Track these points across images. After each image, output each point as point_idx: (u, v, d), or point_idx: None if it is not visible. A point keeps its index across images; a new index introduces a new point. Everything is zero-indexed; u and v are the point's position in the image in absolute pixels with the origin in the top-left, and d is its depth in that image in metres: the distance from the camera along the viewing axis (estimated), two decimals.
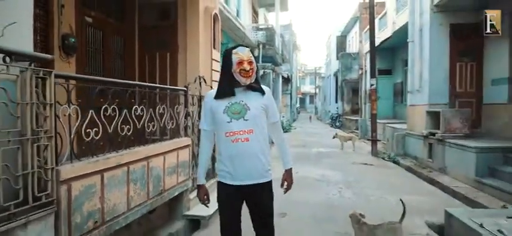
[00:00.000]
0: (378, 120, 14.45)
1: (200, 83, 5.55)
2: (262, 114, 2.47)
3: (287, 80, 29.19)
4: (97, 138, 2.90)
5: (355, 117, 21.51)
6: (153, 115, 3.92)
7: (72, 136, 2.63)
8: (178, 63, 6.22)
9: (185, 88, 4.89)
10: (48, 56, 2.39)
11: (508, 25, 8.02)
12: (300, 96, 59.35)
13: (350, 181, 7.34)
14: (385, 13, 14.67)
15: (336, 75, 29.55)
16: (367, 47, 17.55)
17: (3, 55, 2.07)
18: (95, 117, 2.90)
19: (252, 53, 2.46)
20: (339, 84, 26.55)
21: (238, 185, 2.42)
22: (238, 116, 2.38)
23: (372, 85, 11.87)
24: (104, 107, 3.03)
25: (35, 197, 2.24)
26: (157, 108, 4.07)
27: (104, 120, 3.00)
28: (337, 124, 24.64)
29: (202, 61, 6.12)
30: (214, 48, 6.51)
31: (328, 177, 7.75)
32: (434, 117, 8.53)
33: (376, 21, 16.21)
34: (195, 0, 6.09)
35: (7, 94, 2.08)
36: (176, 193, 4.42)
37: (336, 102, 29.48)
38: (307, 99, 68.38)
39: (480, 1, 8.73)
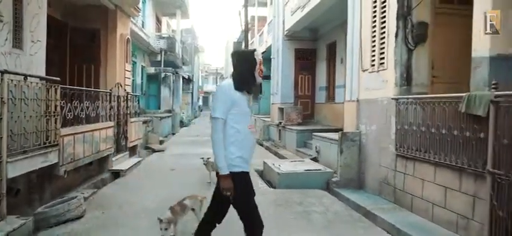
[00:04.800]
0: (258, 115, 18.47)
1: (118, 87, 8.41)
2: None
3: (188, 80, 32.13)
4: (71, 117, 5.77)
5: None
6: (93, 107, 6.78)
7: (62, 116, 5.48)
8: (100, 72, 8.91)
9: (110, 91, 7.77)
10: (57, 79, 5.21)
11: (326, 53, 12.46)
12: (203, 95, 62.51)
13: None
14: (263, 32, 18.75)
15: None
16: None
17: (38, 78, 4.90)
18: (70, 107, 5.76)
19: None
20: None
21: (248, 171, 2.78)
22: (251, 112, 2.82)
23: None
24: (73, 102, 5.88)
25: (53, 140, 5.08)
26: (95, 102, 6.92)
27: (73, 109, 5.86)
28: None
29: (118, 72, 8.92)
30: (127, 62, 9.37)
31: (208, 153, 11.14)
32: (282, 111, 12.56)
33: (257, 37, 20.32)
34: (113, 29, 8.88)
35: (42, 96, 4.92)
36: (105, 154, 7.29)
37: None
38: (210, 98, 71.56)
39: (313, 35, 13.12)
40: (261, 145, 13.79)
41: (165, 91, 17.79)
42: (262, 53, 18.60)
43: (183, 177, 7.71)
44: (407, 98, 5.12)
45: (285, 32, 12.96)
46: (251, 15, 23.41)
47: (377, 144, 5.99)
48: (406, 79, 5.38)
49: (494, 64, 3.77)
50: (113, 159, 7.75)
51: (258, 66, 2.72)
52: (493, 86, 3.55)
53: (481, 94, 3.69)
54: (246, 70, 2.73)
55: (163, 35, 19.25)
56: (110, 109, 7.73)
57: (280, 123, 12.33)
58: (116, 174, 7.59)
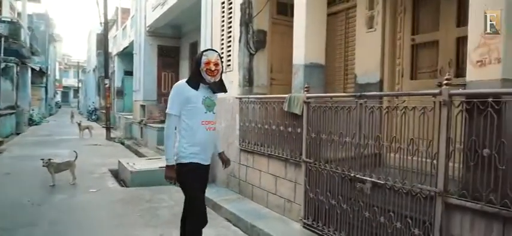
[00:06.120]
0: (122, 113, 17.59)
1: None
2: None
3: (41, 73, 28.39)
4: None
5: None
6: None
7: None
8: None
9: None
10: None
11: (188, 52, 12.64)
12: (62, 89, 56.07)
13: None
14: (126, 26, 17.85)
15: (95, 71, 30.86)
16: (115, 49, 20.35)
17: None
18: None
19: None
20: (96, 80, 28.21)
21: (206, 165, 3.06)
22: (210, 109, 2.98)
23: (106, 84, 14.85)
24: None
25: None
26: None
27: None
28: (93, 117, 26.39)
29: None
30: None
31: (58, 153, 10.16)
32: (144, 109, 12.27)
33: (121, 30, 19.30)
34: None
35: None
36: None
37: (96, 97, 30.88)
38: (72, 93, 64.45)
39: (177, 33, 13.15)
40: (123, 143, 13.21)
41: (6, 85, 15.34)
42: (125, 48, 17.70)
43: (21, 181, 6.89)
44: (248, 98, 5.66)
45: (147, 28, 12.66)
46: (115, 6, 22.06)
47: (226, 139, 6.43)
48: (248, 80, 5.93)
49: (307, 71, 4.49)
50: None
51: (203, 66, 2.89)
52: (305, 89, 4.24)
53: (297, 96, 4.36)
54: (195, 69, 2.96)
55: (3, 19, 16.56)
56: None
57: (142, 120, 12.03)
58: None
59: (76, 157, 6.70)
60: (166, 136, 2.91)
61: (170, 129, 2.90)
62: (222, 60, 3.06)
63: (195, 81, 2.94)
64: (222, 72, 3.02)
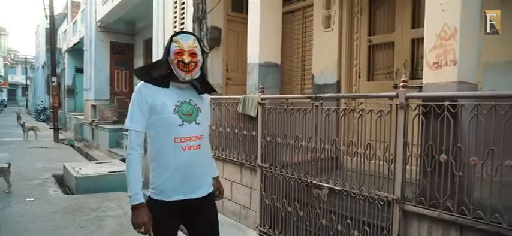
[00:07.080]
0: (73, 113, 16.60)
1: None
2: (209, 118, 2.21)
3: None
4: None
5: (59, 111, 22.51)
6: None
7: None
8: None
9: None
10: None
11: (143, 48, 12.07)
12: (8, 87, 52.47)
13: (17, 158, 9.18)
14: (76, 21, 16.84)
15: (44, 67, 29.05)
16: (65, 45, 19.20)
17: None
18: None
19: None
20: (46, 77, 26.57)
21: (181, 200, 2.00)
22: (190, 118, 1.99)
23: (53, 82, 13.91)
24: None
25: None
26: None
27: None
28: (42, 117, 24.79)
29: None
30: None
31: None
32: (96, 109, 11.57)
33: (71, 24, 18.24)
34: None
35: None
36: None
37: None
38: (20, 91, 60.48)
39: (130, 29, 12.53)
40: (72, 146, 12.39)
41: None
42: (76, 44, 16.68)
43: None
44: None
45: (98, 23, 11.92)
46: None
47: None
48: None
49: (263, 70, 4.29)
50: None
51: (173, 57, 1.92)
52: (260, 90, 4.03)
53: (252, 97, 4.14)
54: (161, 62, 2.02)
55: None
56: None
57: (93, 121, 11.34)
58: None
59: (9, 165, 6.03)
60: (127, 163, 1.95)
61: (132, 151, 1.94)
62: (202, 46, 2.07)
63: (162, 78, 1.98)
64: (202, 64, 2.03)
